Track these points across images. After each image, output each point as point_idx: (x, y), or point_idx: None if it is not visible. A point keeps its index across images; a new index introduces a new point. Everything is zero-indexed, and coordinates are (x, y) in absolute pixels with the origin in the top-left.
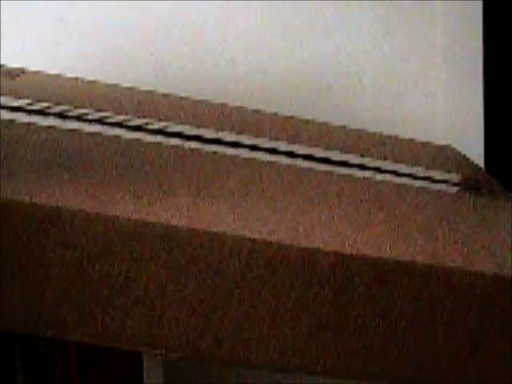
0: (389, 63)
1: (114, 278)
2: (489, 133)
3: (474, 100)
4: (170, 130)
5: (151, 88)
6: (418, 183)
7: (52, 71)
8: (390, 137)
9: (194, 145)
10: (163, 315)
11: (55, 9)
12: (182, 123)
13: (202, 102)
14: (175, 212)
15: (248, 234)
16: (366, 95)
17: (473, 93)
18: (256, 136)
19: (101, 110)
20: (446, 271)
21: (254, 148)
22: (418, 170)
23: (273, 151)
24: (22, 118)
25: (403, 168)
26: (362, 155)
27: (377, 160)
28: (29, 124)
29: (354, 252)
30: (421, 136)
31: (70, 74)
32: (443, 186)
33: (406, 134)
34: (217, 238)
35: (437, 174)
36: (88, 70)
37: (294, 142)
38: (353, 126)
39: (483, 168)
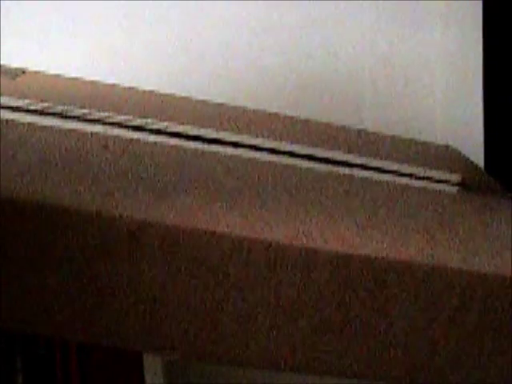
0: (389, 63)
1: (114, 278)
2: (489, 133)
3: (474, 100)
4: (170, 130)
5: (151, 88)
6: (418, 183)
7: (52, 71)
8: (390, 137)
9: (193, 145)
10: (163, 315)
11: (55, 9)
12: (182, 123)
13: (202, 102)
14: (175, 212)
15: (248, 234)
16: (366, 95)
17: (472, 92)
18: (256, 136)
19: (101, 110)
20: (446, 271)
21: (254, 148)
22: (418, 170)
23: (273, 151)
24: (22, 118)
25: (403, 168)
26: (362, 155)
27: (377, 160)
28: (29, 124)
29: (354, 252)
30: (421, 136)
31: (70, 74)
32: (443, 186)
33: (406, 133)
34: (217, 238)
35: (437, 174)
36: (88, 70)
37: (294, 142)
38: (353, 126)
39: (483, 168)
